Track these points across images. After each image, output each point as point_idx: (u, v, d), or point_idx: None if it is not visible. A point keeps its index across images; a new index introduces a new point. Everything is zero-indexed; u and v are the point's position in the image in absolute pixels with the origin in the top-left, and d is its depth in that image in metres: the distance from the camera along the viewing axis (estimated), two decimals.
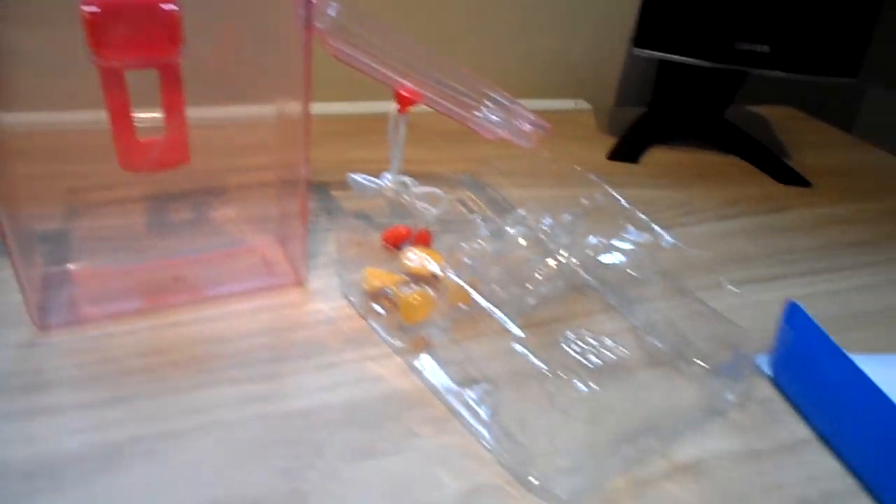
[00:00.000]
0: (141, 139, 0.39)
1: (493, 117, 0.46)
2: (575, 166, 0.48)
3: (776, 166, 0.69)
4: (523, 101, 0.47)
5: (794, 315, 0.38)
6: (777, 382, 0.40)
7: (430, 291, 0.41)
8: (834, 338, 0.39)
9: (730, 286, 0.40)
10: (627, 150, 0.69)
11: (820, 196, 0.66)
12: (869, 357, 0.43)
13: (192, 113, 0.40)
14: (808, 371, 0.38)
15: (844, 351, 0.36)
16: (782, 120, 0.86)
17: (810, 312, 0.48)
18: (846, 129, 0.88)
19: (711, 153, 0.72)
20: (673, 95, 0.74)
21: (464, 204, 0.55)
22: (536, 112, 0.47)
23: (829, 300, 0.49)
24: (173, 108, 0.39)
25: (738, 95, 0.75)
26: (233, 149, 0.46)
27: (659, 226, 0.45)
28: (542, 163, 0.64)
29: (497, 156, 0.65)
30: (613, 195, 0.45)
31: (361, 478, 0.31)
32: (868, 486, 0.34)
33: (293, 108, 0.40)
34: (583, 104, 0.85)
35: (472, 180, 0.59)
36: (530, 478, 0.32)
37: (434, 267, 0.42)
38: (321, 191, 0.56)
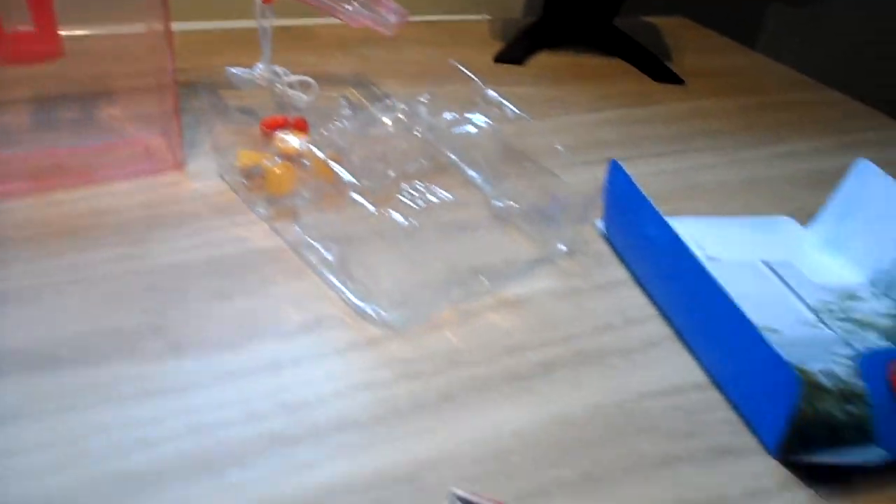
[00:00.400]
0: (8, 31, 0.41)
1: (360, 8, 0.49)
2: (455, 63, 0.52)
3: (653, 66, 0.74)
4: (427, 17, 0.50)
5: (614, 171, 0.43)
6: (606, 235, 0.46)
7: (297, 166, 0.44)
8: (668, 205, 0.45)
9: (558, 147, 0.45)
10: (513, 53, 0.72)
11: (691, 93, 0.71)
12: (688, 218, 0.49)
13: (72, 31, 0.43)
14: (625, 221, 0.44)
15: (654, 204, 0.41)
16: (673, 29, 0.90)
17: (652, 185, 0.53)
18: (750, 45, 0.93)
19: (596, 57, 0.77)
20: (563, 2, 0.77)
21: (346, 98, 0.58)
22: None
23: (671, 175, 0.55)
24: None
25: (637, 7, 0.78)
26: (114, 57, 0.49)
27: (529, 116, 0.49)
28: (427, 65, 0.68)
29: (387, 60, 0.68)
30: (470, 76, 0.49)
31: (217, 314, 0.36)
32: (663, 313, 0.40)
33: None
34: (486, 16, 0.88)
35: (358, 80, 0.63)
36: (368, 310, 0.37)
37: (301, 144, 0.45)
38: (211, 91, 0.58)
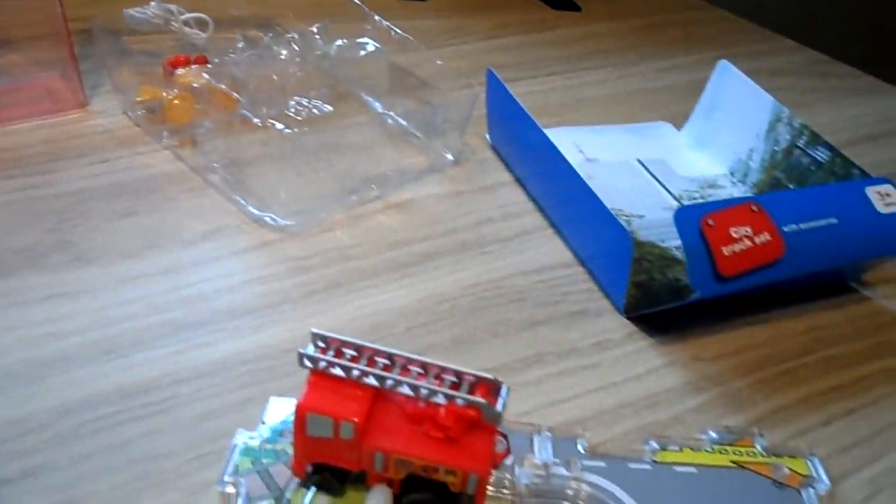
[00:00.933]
0: None
1: None
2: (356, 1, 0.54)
3: None
4: None
5: (491, 81, 0.47)
6: (493, 145, 0.50)
7: (197, 97, 0.47)
8: (556, 116, 0.47)
9: (439, 62, 0.48)
10: None
11: (587, 18, 0.75)
12: (572, 127, 0.53)
13: None
14: (505, 127, 0.48)
15: (532, 115, 0.45)
16: None
17: (541, 101, 0.57)
18: None
19: None
20: None
21: (242, 34, 0.60)
22: None
23: (561, 91, 0.59)
24: None
25: None
26: (6, 11, 0.50)
27: (427, 47, 0.52)
28: (321, 2, 0.70)
29: (296, 4, 0.70)
30: (359, 5, 0.52)
31: (122, 229, 0.39)
32: (540, 207, 0.44)
33: None
34: None
35: (254, 19, 0.64)
36: (265, 218, 0.40)
37: (198, 74, 0.47)
38: (114, 36, 0.59)
